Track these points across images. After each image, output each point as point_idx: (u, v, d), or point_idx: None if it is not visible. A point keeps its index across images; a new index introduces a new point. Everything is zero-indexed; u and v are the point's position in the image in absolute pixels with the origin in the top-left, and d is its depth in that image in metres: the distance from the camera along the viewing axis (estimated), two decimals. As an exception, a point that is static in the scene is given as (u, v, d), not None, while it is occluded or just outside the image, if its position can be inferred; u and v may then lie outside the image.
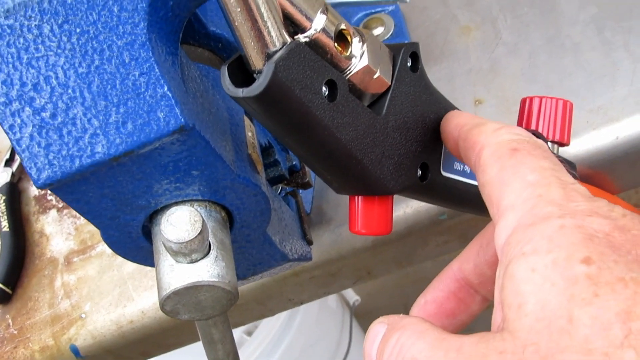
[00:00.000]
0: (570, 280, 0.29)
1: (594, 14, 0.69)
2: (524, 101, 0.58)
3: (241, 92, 0.37)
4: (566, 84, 0.66)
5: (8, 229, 0.79)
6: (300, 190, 0.65)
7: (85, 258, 0.76)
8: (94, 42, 0.39)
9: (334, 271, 0.70)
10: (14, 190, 0.83)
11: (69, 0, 0.39)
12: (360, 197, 0.44)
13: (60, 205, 0.81)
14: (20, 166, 0.85)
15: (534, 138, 0.38)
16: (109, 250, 0.75)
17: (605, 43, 0.67)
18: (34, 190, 0.83)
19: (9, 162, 0.85)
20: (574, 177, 0.37)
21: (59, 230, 0.79)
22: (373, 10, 0.75)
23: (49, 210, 0.81)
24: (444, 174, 0.47)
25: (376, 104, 0.43)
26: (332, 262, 0.68)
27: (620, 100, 0.64)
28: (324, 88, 0.39)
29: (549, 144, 0.56)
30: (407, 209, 0.66)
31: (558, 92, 0.66)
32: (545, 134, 0.56)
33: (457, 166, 0.48)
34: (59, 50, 0.39)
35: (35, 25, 0.39)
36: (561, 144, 0.57)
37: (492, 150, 0.37)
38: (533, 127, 0.56)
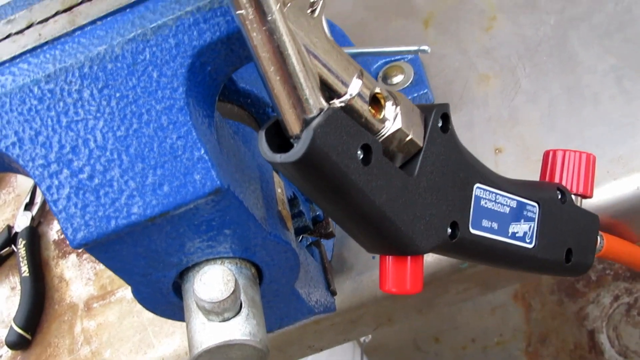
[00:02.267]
0: None
1: (613, 64, 0.69)
2: (547, 154, 0.58)
3: (279, 158, 0.37)
4: (586, 133, 0.67)
5: (28, 274, 0.80)
6: (325, 241, 0.65)
7: (105, 304, 0.76)
8: (133, 106, 0.40)
9: (355, 318, 0.70)
10: (34, 235, 0.83)
11: (110, 66, 0.39)
12: (391, 256, 0.45)
13: (79, 250, 0.81)
14: (40, 210, 0.85)
15: None
16: (129, 296, 0.75)
17: (625, 92, 0.67)
18: (53, 235, 0.84)
19: (28, 206, 0.85)
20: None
21: (79, 275, 0.79)
22: (393, 59, 0.76)
23: (68, 255, 0.81)
24: (473, 231, 0.47)
25: (408, 164, 0.43)
26: (353, 309, 0.69)
27: (641, 150, 0.64)
28: (359, 152, 0.39)
29: (572, 196, 0.57)
30: (428, 257, 0.66)
31: (578, 141, 0.66)
32: (569, 187, 0.57)
33: (486, 223, 0.48)
34: (98, 114, 0.40)
35: (76, 89, 0.40)
36: (584, 197, 0.58)
37: None
38: (557, 180, 0.57)
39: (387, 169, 0.41)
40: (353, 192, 0.39)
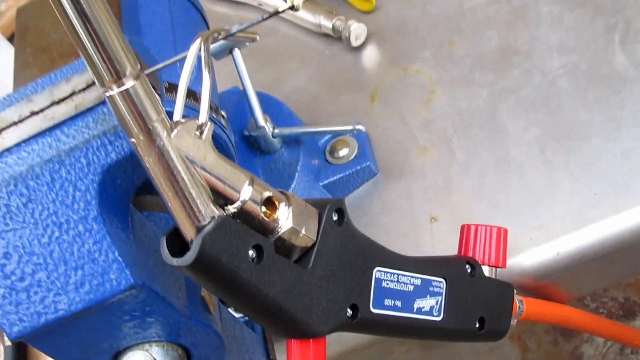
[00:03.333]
0: None
1: (537, 135, 0.75)
2: (462, 228, 0.63)
3: (175, 262, 0.43)
4: (511, 202, 0.72)
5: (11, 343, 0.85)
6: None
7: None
8: (54, 217, 0.46)
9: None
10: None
11: (32, 184, 0.45)
12: (294, 340, 0.50)
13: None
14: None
15: None
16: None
17: (547, 163, 0.72)
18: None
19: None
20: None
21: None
22: (339, 133, 0.81)
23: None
24: (375, 310, 0.52)
25: (304, 257, 0.48)
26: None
27: (560, 218, 0.69)
28: (251, 252, 0.44)
29: (487, 267, 0.62)
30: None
31: (504, 211, 0.71)
32: (481, 259, 0.62)
33: (388, 302, 0.53)
34: (24, 224, 0.46)
35: (4, 204, 0.46)
36: (497, 267, 0.62)
37: None
38: (470, 253, 0.62)
39: (280, 263, 0.46)
40: (246, 288, 0.45)
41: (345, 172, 0.79)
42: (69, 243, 0.46)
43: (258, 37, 0.61)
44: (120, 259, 0.46)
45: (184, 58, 0.46)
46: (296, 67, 0.94)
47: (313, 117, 0.87)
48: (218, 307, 0.57)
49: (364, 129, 0.74)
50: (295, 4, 0.46)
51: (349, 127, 0.74)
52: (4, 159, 0.46)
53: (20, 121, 0.47)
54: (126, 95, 0.40)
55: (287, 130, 0.76)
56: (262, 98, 0.82)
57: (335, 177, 0.78)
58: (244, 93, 0.73)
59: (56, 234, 0.46)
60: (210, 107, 0.62)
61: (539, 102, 0.77)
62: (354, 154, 0.80)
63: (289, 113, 0.81)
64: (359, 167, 0.79)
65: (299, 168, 0.76)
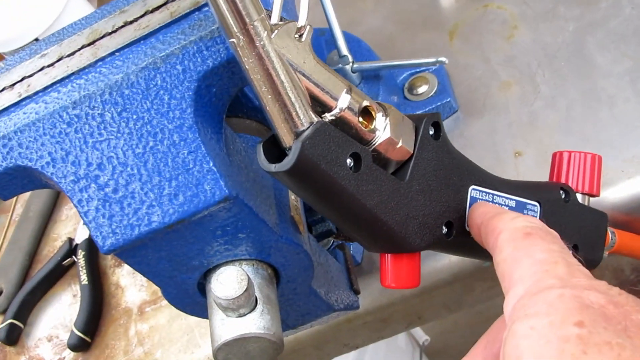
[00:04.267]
0: (563, 338, 0.33)
1: (628, 67, 0.72)
2: (554, 155, 0.61)
3: (273, 168, 0.42)
4: (602, 135, 0.69)
5: (87, 282, 0.86)
6: (350, 244, 0.70)
7: (157, 308, 0.82)
8: (148, 126, 0.45)
9: (385, 317, 0.74)
10: (92, 246, 0.90)
11: (126, 92, 0.45)
12: (389, 254, 0.49)
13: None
14: (98, 223, 0.92)
15: (546, 227, 0.42)
16: (177, 301, 0.81)
17: (639, 95, 0.70)
18: (110, 245, 0.90)
19: (87, 220, 0.92)
20: (580, 261, 0.41)
21: (133, 282, 0.86)
22: (418, 70, 0.79)
23: (123, 264, 0.88)
24: (469, 229, 0.50)
25: (401, 170, 0.47)
26: (382, 308, 0.73)
27: (654, 150, 0.66)
28: (349, 160, 0.43)
29: (580, 195, 0.60)
30: (452, 257, 0.70)
31: (594, 144, 0.69)
32: (574, 186, 0.60)
33: (483, 222, 0.51)
34: (119, 134, 0.45)
35: (99, 113, 0.45)
36: (591, 195, 0.60)
37: (509, 234, 0.42)
38: (563, 180, 0.60)
39: (378, 174, 0.45)
40: (344, 196, 0.44)
41: (425, 108, 0.77)
42: (164, 153, 0.45)
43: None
44: (215, 169, 0.45)
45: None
46: (372, 6, 0.92)
47: (390, 56, 0.85)
48: (306, 231, 0.56)
49: (447, 61, 0.72)
50: None
51: (431, 60, 0.73)
52: (98, 69, 0.46)
53: (114, 31, 0.46)
54: (228, -8, 0.39)
55: (366, 65, 0.75)
56: (340, 35, 0.81)
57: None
58: (327, 25, 0.71)
59: (150, 143, 0.45)
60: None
61: (630, 34, 0.74)
62: (434, 91, 0.78)
63: (367, 49, 0.79)
64: (439, 104, 0.77)
65: (379, 104, 0.75)
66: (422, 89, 0.78)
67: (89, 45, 0.47)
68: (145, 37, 0.45)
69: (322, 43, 0.76)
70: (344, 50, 0.72)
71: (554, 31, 0.78)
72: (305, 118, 0.42)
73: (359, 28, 0.91)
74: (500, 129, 0.75)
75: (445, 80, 0.79)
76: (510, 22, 0.81)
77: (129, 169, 0.45)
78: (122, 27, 0.46)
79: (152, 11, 0.45)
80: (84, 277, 0.87)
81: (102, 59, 0.46)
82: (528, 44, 0.79)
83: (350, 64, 0.73)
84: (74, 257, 0.91)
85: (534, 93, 0.75)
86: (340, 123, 0.44)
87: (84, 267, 0.88)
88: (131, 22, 0.46)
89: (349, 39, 0.81)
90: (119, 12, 0.47)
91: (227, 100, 0.47)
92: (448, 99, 0.77)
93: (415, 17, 0.88)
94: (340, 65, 0.74)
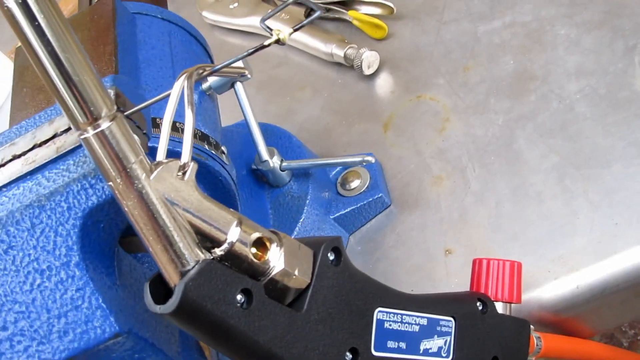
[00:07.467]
0: None
1: (556, 162, 0.72)
2: (474, 263, 0.61)
3: (158, 309, 0.41)
4: (530, 233, 0.69)
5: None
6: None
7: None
8: (35, 264, 0.44)
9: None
10: None
11: (12, 230, 0.44)
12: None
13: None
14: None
15: None
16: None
17: (566, 191, 0.69)
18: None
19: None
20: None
21: None
22: (348, 165, 0.79)
23: None
24: (376, 354, 0.49)
25: (299, 299, 0.46)
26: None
27: (580, 249, 0.66)
28: (239, 296, 0.42)
29: (501, 303, 0.59)
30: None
31: (522, 241, 0.68)
32: (494, 294, 0.59)
33: (392, 344, 0.50)
34: (6, 272, 0.44)
35: (-15, 251, 0.44)
36: (511, 302, 0.60)
37: None
38: (482, 289, 0.59)
39: (272, 308, 0.44)
40: (235, 335, 0.42)
41: (357, 204, 0.76)
42: (52, 290, 0.44)
43: (249, 75, 0.60)
44: (104, 305, 0.44)
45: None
46: (309, 96, 0.92)
47: (326, 147, 0.85)
48: (216, 353, 0.55)
49: (373, 160, 0.71)
50: (282, 37, 0.44)
51: (358, 159, 0.72)
52: (-16, 205, 0.45)
53: (2, 165, 0.46)
54: (102, 136, 0.38)
55: (295, 163, 0.74)
56: (271, 130, 0.81)
57: (346, 210, 0.76)
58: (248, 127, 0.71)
59: (38, 281, 0.44)
60: (209, 143, 0.60)
61: (557, 128, 0.74)
62: (366, 186, 0.77)
63: (298, 145, 0.79)
64: (371, 199, 0.76)
65: (308, 201, 0.74)
66: (355, 183, 0.78)
67: (-24, 180, 0.46)
68: (31, 173, 0.45)
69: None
70: (265, 155, 0.72)
71: (485, 124, 0.78)
72: (190, 256, 0.41)
73: (297, 117, 0.91)
74: (432, 225, 0.74)
75: (378, 174, 0.78)
76: (442, 114, 0.81)
77: (17, 306, 0.44)
78: (10, 160, 0.45)
79: (40, 145, 0.45)
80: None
81: (-12, 194, 0.45)
82: (459, 136, 0.79)
83: (275, 165, 0.73)
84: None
85: (464, 188, 0.75)
86: (231, 257, 0.43)
87: None
88: (19, 156, 0.45)
89: (281, 134, 0.80)
90: (9, 144, 0.46)
91: (117, 233, 0.46)
92: (380, 194, 0.76)
93: (352, 107, 0.88)
94: (264, 167, 0.73)
